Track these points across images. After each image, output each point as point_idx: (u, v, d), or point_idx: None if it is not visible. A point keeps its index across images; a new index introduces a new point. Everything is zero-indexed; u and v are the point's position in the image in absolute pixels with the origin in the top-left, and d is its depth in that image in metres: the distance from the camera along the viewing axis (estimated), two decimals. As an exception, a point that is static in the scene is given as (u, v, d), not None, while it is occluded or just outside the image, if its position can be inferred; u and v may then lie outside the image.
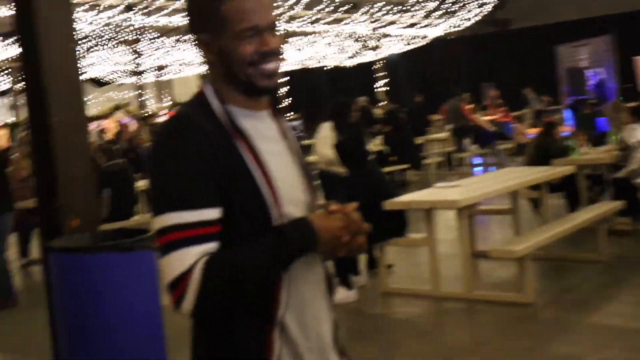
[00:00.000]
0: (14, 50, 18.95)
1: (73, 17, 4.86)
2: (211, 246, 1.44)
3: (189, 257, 1.41)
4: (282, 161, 1.56)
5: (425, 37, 27.13)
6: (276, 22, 1.58)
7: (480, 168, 14.10)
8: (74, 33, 4.76)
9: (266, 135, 1.57)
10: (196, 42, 1.58)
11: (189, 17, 1.59)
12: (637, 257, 6.53)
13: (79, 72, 4.82)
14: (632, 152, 7.26)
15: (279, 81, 1.60)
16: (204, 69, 1.62)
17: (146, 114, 17.72)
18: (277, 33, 1.58)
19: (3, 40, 18.34)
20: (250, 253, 1.44)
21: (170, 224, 1.43)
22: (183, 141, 1.46)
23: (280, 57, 1.57)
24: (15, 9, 4.53)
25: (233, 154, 1.49)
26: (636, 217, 7.27)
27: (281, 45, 1.58)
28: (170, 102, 20.91)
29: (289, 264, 1.47)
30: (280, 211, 1.49)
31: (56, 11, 4.46)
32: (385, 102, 21.04)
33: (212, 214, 1.45)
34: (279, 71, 1.57)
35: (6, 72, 22.25)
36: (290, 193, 1.54)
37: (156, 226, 1.46)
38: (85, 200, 4.46)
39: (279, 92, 22.65)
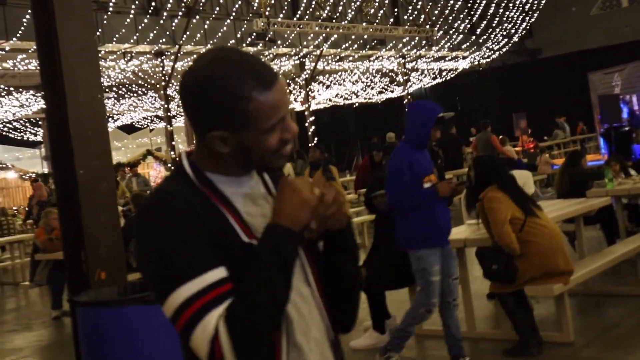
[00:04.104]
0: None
1: (100, 66, 4.88)
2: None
3: (211, 323, 1.33)
4: (265, 222, 1.48)
5: (453, 70, 27.11)
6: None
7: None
8: (101, 83, 4.79)
9: (253, 196, 1.53)
10: (209, 138, 1.45)
11: (195, 115, 1.47)
12: (681, 289, 6.30)
13: (107, 122, 4.83)
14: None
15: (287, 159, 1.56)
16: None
17: (177, 159, 17.84)
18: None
19: (35, 93, 18.76)
20: (250, 284, 1.37)
21: (184, 299, 1.35)
22: (167, 211, 1.40)
23: None
24: (40, 61, 4.56)
25: (217, 216, 1.44)
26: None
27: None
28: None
29: (287, 264, 1.40)
30: None
31: (82, 62, 4.45)
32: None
33: (220, 273, 1.38)
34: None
35: (39, 123, 22.75)
36: None
37: (170, 311, 1.36)
38: (112, 252, 4.45)
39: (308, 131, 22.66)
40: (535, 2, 25.77)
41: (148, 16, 17.51)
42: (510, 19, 25.87)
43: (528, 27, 26.86)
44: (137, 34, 17.18)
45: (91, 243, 4.35)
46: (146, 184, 15.94)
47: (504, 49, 26.66)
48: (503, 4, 25.53)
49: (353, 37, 22.02)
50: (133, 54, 18.06)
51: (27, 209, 15.66)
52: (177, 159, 1.59)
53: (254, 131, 1.43)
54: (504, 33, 26.11)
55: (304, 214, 1.42)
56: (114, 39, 16.68)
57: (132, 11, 17.04)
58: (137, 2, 17.35)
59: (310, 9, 21.52)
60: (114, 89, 20.67)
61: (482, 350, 5.37)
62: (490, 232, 5.02)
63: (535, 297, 5.47)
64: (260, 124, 1.43)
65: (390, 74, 26.25)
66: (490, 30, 25.76)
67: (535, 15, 26.26)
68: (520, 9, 25.79)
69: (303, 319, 1.49)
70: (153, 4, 17.90)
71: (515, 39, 26.58)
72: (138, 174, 16.64)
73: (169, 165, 17.61)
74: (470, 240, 5.57)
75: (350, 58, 23.59)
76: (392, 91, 27.00)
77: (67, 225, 4.50)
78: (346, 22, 21.63)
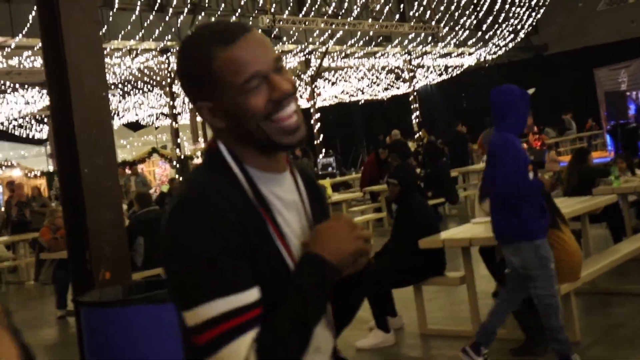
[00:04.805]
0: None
1: (105, 64, 4.86)
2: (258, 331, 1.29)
3: (243, 350, 1.25)
4: (299, 232, 1.42)
5: (459, 66, 27.05)
6: (279, 58, 1.39)
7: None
8: (106, 81, 4.78)
9: (286, 202, 1.42)
10: (199, 111, 1.41)
11: (184, 87, 1.43)
12: (688, 288, 6.27)
13: (111, 120, 4.81)
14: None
15: (302, 134, 1.40)
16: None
17: (182, 157, 17.87)
18: (284, 68, 1.40)
19: (41, 90, 18.76)
20: (288, 321, 1.29)
21: (216, 314, 1.26)
22: (210, 211, 1.28)
23: (296, 96, 1.40)
24: (45, 58, 4.54)
25: (259, 227, 1.34)
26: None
27: (294, 82, 1.40)
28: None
29: (322, 302, 1.35)
30: None
31: (87, 59, 4.43)
32: (419, 134, 20.88)
33: (255, 294, 1.29)
34: (300, 120, 1.39)
35: (45, 121, 22.77)
36: None
37: (195, 321, 1.27)
38: (116, 251, 4.44)
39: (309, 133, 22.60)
40: (541, -3, 25.66)
41: (154, 13, 17.50)
42: (516, 15, 25.77)
43: (534, 23, 26.76)
44: (143, 31, 17.17)
45: (95, 242, 4.34)
46: (145, 184, 15.88)
47: (510, 45, 26.56)
48: (509, 0, 25.42)
49: (359, 33, 21.97)
50: (138, 51, 18.06)
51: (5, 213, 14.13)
52: (210, 145, 1.42)
53: (229, 92, 1.35)
54: (510, 29, 26.02)
55: (351, 254, 1.35)
56: (120, 36, 16.68)
57: (138, 8, 17.04)
58: (142, -1, 17.35)
59: (316, 6, 21.48)
60: (120, 86, 20.68)
61: (489, 349, 5.34)
62: None
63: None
64: (231, 82, 1.34)
65: (396, 70, 26.19)
66: (496, 26, 25.67)
67: (541, 11, 26.15)
68: (526, 4, 25.69)
69: (315, 336, 1.41)
70: (158, 0, 17.89)
71: (522, 35, 26.48)
72: (137, 173, 16.59)
73: (174, 162, 17.61)
74: (476, 240, 5.54)
75: (356, 55, 23.54)
76: (397, 88, 26.94)
77: (71, 224, 4.49)
78: (352, 18, 21.58)
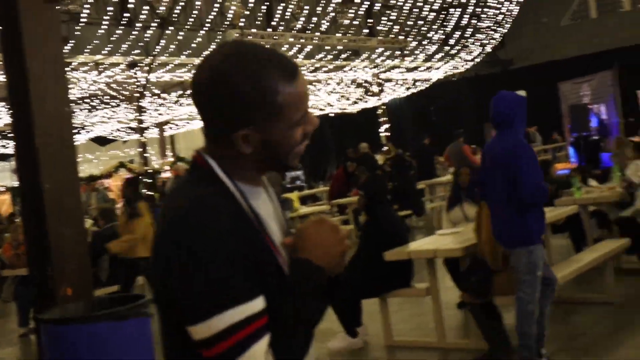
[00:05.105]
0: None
1: (67, 78, 4.83)
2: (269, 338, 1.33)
3: (259, 356, 1.29)
4: (281, 239, 1.46)
5: (427, 80, 27.31)
6: None
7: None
8: (69, 96, 4.75)
9: (268, 213, 1.45)
10: (227, 139, 1.37)
11: (216, 114, 1.37)
12: (648, 296, 6.40)
13: (73, 135, 4.78)
14: (636, 190, 7.16)
15: None
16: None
17: (150, 171, 17.76)
18: None
19: (6, 105, 18.53)
20: (290, 324, 1.35)
21: (230, 324, 1.27)
22: (213, 227, 1.29)
23: None
24: (6, 73, 4.51)
25: (255, 237, 1.36)
26: (644, 255, 7.15)
27: None
28: (174, 158, 20.95)
29: (320, 304, 1.40)
30: None
31: (49, 74, 4.40)
32: (387, 147, 21.01)
33: (262, 302, 1.32)
34: None
35: (9, 136, 22.48)
36: None
37: (206, 333, 1.28)
38: (78, 267, 4.40)
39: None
40: (507, 13, 26.06)
41: (121, 27, 17.42)
42: (482, 30, 26.12)
43: (500, 38, 27.14)
44: (110, 45, 17.07)
45: (57, 258, 4.30)
46: (106, 200, 15.68)
47: (477, 60, 26.89)
48: (476, 16, 25.78)
49: (327, 47, 22.10)
50: (106, 65, 17.95)
51: None
52: (196, 161, 1.41)
53: (281, 125, 1.36)
54: (477, 44, 26.35)
55: (337, 257, 1.41)
56: (86, 50, 16.56)
57: (105, 22, 16.94)
58: (109, 13, 17.25)
59: (285, 20, 21.56)
60: (87, 100, 20.49)
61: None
62: (479, 237, 5.04)
63: (506, 305, 5.52)
64: (289, 117, 1.36)
65: (364, 84, 26.35)
66: (464, 41, 25.98)
67: (507, 26, 26.54)
68: (493, 20, 26.05)
69: None
70: (126, 14, 17.81)
71: (488, 49, 26.84)
72: (97, 189, 16.35)
73: (141, 177, 17.47)
74: (441, 251, 5.60)
75: (325, 69, 23.65)
76: (366, 101, 27.10)
77: (32, 239, 4.45)
78: (320, 33, 21.70)
